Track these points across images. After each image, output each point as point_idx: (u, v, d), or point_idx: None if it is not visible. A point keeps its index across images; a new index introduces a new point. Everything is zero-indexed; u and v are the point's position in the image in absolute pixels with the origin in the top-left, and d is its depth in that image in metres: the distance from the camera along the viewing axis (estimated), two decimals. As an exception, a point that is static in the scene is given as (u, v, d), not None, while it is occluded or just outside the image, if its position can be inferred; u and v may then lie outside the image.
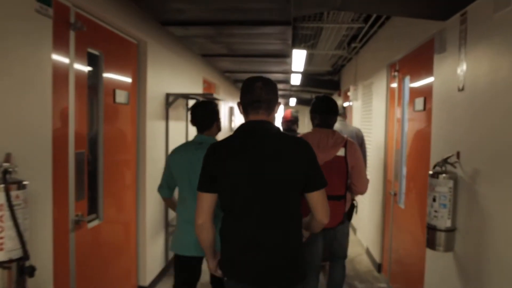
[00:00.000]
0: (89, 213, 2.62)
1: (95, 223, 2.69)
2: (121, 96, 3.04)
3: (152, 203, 3.61)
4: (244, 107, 1.76)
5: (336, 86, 8.08)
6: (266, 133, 1.73)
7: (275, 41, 3.77)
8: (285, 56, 4.45)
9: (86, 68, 2.54)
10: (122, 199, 3.14)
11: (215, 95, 4.03)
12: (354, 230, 5.76)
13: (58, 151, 2.19)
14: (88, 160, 2.58)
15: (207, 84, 6.07)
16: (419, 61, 3.17)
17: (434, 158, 2.66)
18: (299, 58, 4.78)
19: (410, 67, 3.41)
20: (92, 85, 2.70)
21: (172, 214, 4.18)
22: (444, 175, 2.26)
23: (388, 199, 4.01)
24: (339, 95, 7.81)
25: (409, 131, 3.40)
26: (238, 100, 1.78)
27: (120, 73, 3.08)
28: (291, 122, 3.99)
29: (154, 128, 3.63)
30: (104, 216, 2.80)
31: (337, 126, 5.24)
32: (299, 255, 1.75)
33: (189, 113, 4.69)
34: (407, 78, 3.52)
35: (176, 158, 2.43)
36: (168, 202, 2.66)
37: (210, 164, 1.73)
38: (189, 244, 2.31)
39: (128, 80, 3.21)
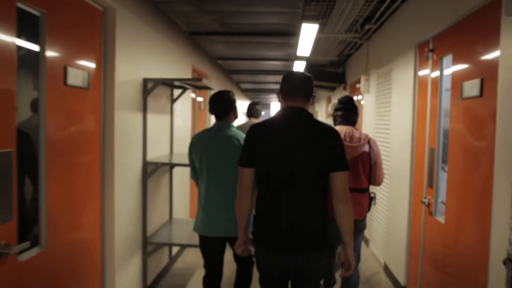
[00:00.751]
0: (22, 239, 1.84)
1: (32, 252, 1.90)
2: (76, 77, 2.26)
3: (124, 217, 2.83)
4: (284, 95, 1.96)
5: (340, 78, 7.33)
6: (301, 117, 1.91)
7: (282, 10, 2.95)
8: (291, 34, 3.65)
9: (14, 34, 1.75)
10: (79, 216, 2.36)
11: (205, 81, 3.25)
12: (366, 242, 5.03)
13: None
14: (20, 165, 1.80)
15: (197, 73, 5.31)
16: (471, 32, 2.43)
17: (501, 159, 1.95)
18: (308, 36, 3.94)
19: (454, 42, 2.67)
20: (27, 58, 1.93)
21: (151, 230, 3.41)
22: (539, 186, 1.53)
23: (417, 209, 3.27)
24: (344, 88, 7.06)
25: (452, 124, 2.66)
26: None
27: (76, 47, 2.29)
28: None
29: (125, 121, 2.84)
30: (49, 241, 2.02)
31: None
32: (326, 227, 1.93)
33: (174, 104, 4.07)
34: (448, 58, 2.79)
35: (195, 144, 2.60)
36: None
37: (250, 142, 1.92)
38: (205, 225, 2.56)
39: (89, 57, 2.43)
